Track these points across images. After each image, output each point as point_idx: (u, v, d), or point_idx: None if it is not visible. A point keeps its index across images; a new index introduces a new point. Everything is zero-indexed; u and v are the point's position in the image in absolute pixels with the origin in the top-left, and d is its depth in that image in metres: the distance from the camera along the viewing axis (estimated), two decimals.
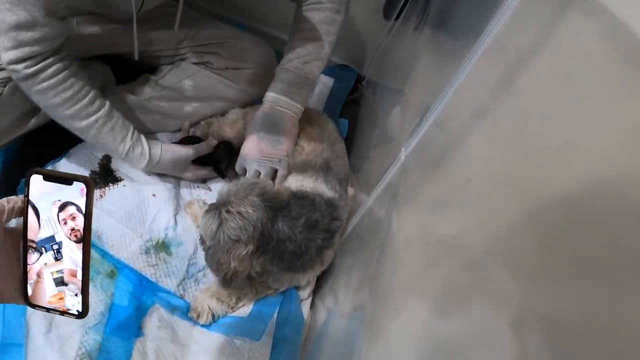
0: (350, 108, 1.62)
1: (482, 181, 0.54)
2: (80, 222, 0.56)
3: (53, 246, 0.58)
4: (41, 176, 0.56)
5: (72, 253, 0.57)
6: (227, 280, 0.96)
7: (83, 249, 0.57)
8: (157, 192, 1.21)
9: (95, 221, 1.09)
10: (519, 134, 0.49)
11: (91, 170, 1.22)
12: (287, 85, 1.14)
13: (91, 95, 1.06)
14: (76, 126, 1.06)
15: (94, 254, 1.08)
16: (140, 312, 1.04)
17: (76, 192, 0.56)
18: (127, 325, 1.01)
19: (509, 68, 0.54)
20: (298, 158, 1.15)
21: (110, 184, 1.21)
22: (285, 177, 1.15)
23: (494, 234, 0.47)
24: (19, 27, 0.91)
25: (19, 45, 0.93)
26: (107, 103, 1.09)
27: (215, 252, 0.94)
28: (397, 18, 1.46)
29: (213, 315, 1.06)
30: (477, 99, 0.60)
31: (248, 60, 1.30)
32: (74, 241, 0.57)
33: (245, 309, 1.11)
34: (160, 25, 1.26)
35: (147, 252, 1.12)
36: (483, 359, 0.43)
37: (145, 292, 1.07)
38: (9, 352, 0.94)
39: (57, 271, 0.58)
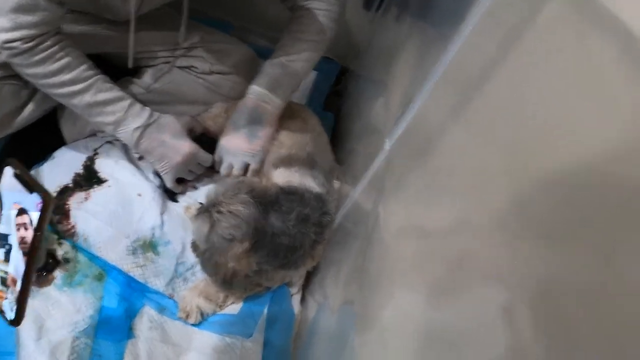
0: (334, 100, 1.62)
1: (467, 171, 0.54)
2: (30, 234, 0.51)
3: (5, 245, 0.54)
4: (13, 171, 0.52)
5: (17, 262, 0.53)
6: (228, 282, 0.95)
7: (26, 264, 0.52)
8: (143, 192, 1.20)
9: (81, 224, 1.09)
10: (505, 123, 0.48)
11: (75, 173, 1.20)
12: (271, 79, 1.14)
13: (88, 61, 1.06)
14: (75, 89, 1.04)
15: (82, 257, 1.07)
16: (130, 314, 1.03)
17: (32, 204, 0.51)
18: (118, 328, 1.00)
19: (495, 55, 0.53)
20: (283, 152, 1.14)
21: (95, 186, 1.20)
22: (257, 172, 1.15)
23: (482, 223, 0.48)
24: (19, 9, 0.91)
25: (17, 27, 0.93)
26: None
27: (210, 255, 0.93)
28: (378, 9, 1.46)
29: (202, 314, 1.06)
30: (462, 88, 0.60)
31: (230, 64, 1.30)
32: (22, 251, 0.52)
33: (235, 307, 1.10)
34: (148, 27, 1.24)
35: (134, 252, 1.11)
36: (477, 344, 0.43)
37: (134, 294, 1.06)
38: None
39: (3, 271, 0.54)
